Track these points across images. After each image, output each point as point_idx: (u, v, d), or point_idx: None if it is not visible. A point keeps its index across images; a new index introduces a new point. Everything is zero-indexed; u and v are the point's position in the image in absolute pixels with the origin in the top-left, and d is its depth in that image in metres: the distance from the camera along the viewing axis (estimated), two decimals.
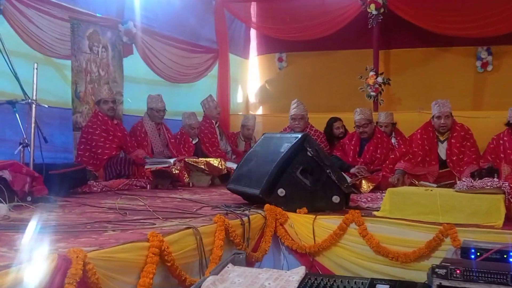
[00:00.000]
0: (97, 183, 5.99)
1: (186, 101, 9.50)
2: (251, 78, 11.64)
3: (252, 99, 11.66)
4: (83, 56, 7.12)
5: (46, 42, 6.73)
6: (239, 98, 11.49)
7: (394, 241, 4.12)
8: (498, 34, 8.83)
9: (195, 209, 4.41)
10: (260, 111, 11.47)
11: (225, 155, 8.31)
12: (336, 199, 4.61)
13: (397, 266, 4.06)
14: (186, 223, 3.56)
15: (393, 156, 6.50)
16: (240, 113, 10.66)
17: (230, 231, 3.76)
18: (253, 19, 11.03)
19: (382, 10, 9.31)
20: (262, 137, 5.44)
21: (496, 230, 3.90)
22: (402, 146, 6.62)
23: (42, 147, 6.60)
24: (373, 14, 9.34)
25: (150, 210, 4.11)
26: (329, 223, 4.36)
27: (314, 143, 4.69)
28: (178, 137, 7.91)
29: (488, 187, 4.27)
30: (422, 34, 9.53)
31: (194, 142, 8.02)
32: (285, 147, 4.69)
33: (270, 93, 11.39)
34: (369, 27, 9.46)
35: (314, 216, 4.41)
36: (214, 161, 7.29)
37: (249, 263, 3.99)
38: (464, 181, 4.39)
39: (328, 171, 4.60)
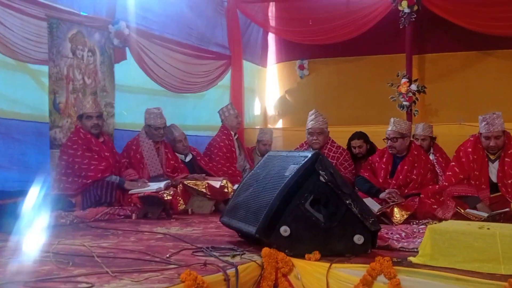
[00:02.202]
0: (66, 213, 5.07)
1: (195, 114, 8.87)
2: (269, 88, 10.94)
3: (271, 111, 10.94)
4: (63, 61, 6.27)
5: (18, 45, 5.86)
6: (256, 110, 10.76)
7: None
8: None
9: (168, 255, 3.38)
10: (279, 124, 10.76)
11: (240, 174, 7.32)
12: (359, 239, 3.60)
13: None
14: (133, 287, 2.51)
15: (447, 182, 5.49)
16: (257, 127, 10.01)
17: None
18: (271, 22, 10.29)
19: (415, 8, 8.44)
20: (266, 156, 4.49)
21: None
22: (455, 168, 5.52)
23: (13, 168, 5.90)
24: (405, 13, 8.48)
25: (98, 261, 3.07)
26: (348, 274, 3.33)
27: (329, 164, 3.67)
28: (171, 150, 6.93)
29: None
30: (462, 35, 8.74)
31: (187, 159, 7.01)
32: (291, 169, 3.69)
33: (290, 104, 10.65)
34: (401, 27, 8.64)
35: (328, 264, 3.38)
36: (217, 183, 6.32)
37: None
38: None
39: (347, 201, 3.59)
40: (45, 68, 6.19)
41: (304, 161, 3.64)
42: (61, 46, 6.23)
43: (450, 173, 5.52)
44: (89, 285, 2.57)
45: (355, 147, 7.21)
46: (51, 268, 2.95)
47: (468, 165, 5.38)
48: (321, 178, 3.58)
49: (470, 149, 5.44)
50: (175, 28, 8.27)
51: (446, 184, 5.44)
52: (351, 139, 7.36)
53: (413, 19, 8.49)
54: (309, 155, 3.66)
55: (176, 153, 6.91)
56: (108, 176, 5.79)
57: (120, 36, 6.94)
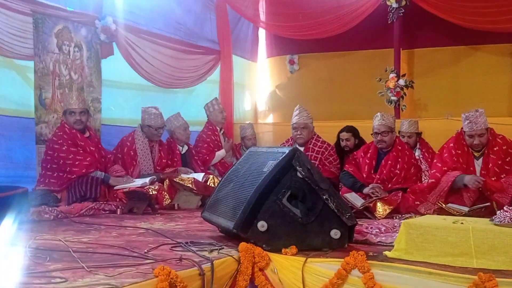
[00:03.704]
0: (50, 208, 5.08)
1: (184, 109, 8.65)
2: (259, 83, 10.90)
3: (261, 106, 10.93)
4: (49, 56, 6.27)
5: (3, 41, 5.82)
6: (247, 106, 10.72)
7: None
8: None
9: (146, 250, 3.41)
10: (270, 119, 10.76)
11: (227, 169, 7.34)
12: (335, 233, 3.62)
13: None
14: (105, 282, 2.55)
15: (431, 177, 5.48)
16: (248, 122, 9.82)
17: (179, 287, 2.77)
18: (262, 17, 10.21)
19: (403, 3, 8.54)
20: (247, 152, 4.50)
21: None
22: (438, 164, 5.52)
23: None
24: (393, 8, 8.57)
25: (75, 256, 3.10)
26: (323, 268, 3.36)
27: (306, 160, 3.69)
28: (166, 146, 6.93)
29: None
30: (451, 30, 8.78)
31: (182, 151, 7.04)
32: (270, 165, 3.71)
33: (281, 99, 10.64)
34: (389, 22, 8.70)
35: (304, 259, 3.40)
36: (200, 176, 6.37)
37: None
38: (507, 211, 3.35)
39: (325, 197, 3.61)
40: (31, 64, 6.16)
41: (281, 157, 3.65)
42: (47, 42, 6.22)
43: (434, 170, 5.51)
44: (63, 280, 2.60)
45: (342, 140, 7.22)
46: (27, 263, 2.96)
47: (451, 159, 5.36)
48: (298, 174, 3.60)
49: (452, 145, 5.42)
50: (163, 23, 8.21)
51: (433, 181, 5.39)
52: (340, 131, 7.37)
53: (401, 14, 8.54)
54: (287, 151, 3.69)
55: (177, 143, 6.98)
56: (93, 171, 5.79)
57: (107, 32, 6.92)
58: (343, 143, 7.22)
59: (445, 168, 5.39)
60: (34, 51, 6.08)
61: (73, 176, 5.69)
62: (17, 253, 3.15)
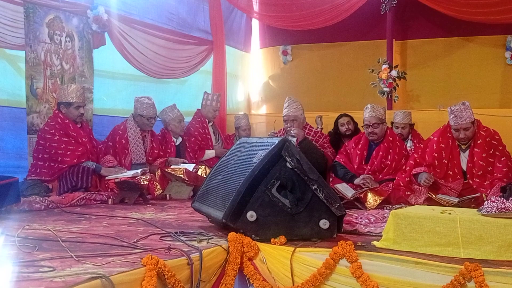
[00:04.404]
0: (41, 198, 5.06)
1: (177, 99, 8.58)
2: (253, 74, 10.87)
3: (254, 97, 10.90)
4: (41, 46, 6.24)
5: None
6: (240, 96, 10.69)
7: (398, 285, 3.13)
8: None
9: (135, 240, 3.42)
10: (263, 110, 10.73)
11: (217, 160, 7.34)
12: (324, 223, 3.63)
13: None
14: (93, 271, 2.55)
15: (408, 167, 5.49)
16: (241, 113, 9.80)
17: (167, 276, 2.78)
18: (255, 7, 10.19)
19: None
20: (238, 142, 4.49)
21: None
22: (414, 155, 5.59)
23: None
24: None
25: (63, 246, 3.11)
26: (312, 258, 3.37)
27: (295, 151, 3.69)
28: (160, 137, 6.95)
29: None
30: (443, 22, 8.82)
31: (177, 143, 7.04)
32: (259, 156, 3.72)
33: (274, 90, 10.63)
34: (382, 13, 8.69)
35: (293, 249, 3.41)
36: (199, 170, 6.36)
37: None
38: (494, 202, 3.36)
39: (314, 187, 3.61)
40: (22, 54, 6.12)
41: (271, 148, 3.65)
42: (38, 31, 6.18)
43: (411, 160, 5.57)
44: (51, 269, 2.60)
45: (343, 124, 7.38)
46: (16, 253, 2.97)
47: (431, 155, 5.39)
48: (288, 164, 3.60)
49: (436, 138, 5.44)
50: (156, 13, 8.16)
51: (408, 168, 5.47)
52: (338, 118, 7.52)
53: (394, 5, 8.53)
54: (276, 141, 3.69)
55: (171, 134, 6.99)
56: (84, 161, 5.78)
57: (99, 21, 6.87)
58: (343, 128, 7.41)
59: (419, 160, 5.45)
60: (25, 40, 6.05)
61: (64, 166, 5.68)
62: (6, 242, 3.17)
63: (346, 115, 7.55)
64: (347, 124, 7.41)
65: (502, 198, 3.48)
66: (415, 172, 5.34)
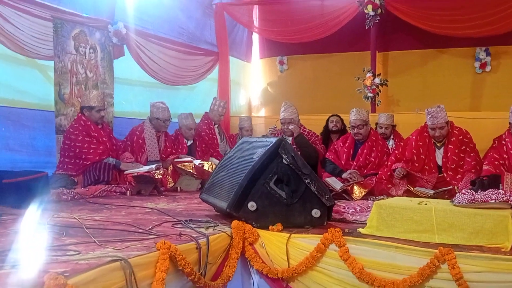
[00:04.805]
0: (68, 190, 5.03)
1: (186, 104, 8.68)
2: (253, 81, 10.81)
3: (255, 101, 10.84)
4: (68, 57, 6.20)
5: (25, 42, 5.76)
6: (242, 101, 10.63)
7: (381, 266, 3.10)
8: (497, 33, 7.96)
9: (150, 227, 3.40)
10: (262, 113, 10.66)
11: (222, 157, 7.29)
12: (316, 213, 3.60)
13: None
14: (113, 254, 2.54)
15: (389, 162, 5.47)
16: (243, 115, 9.78)
17: (178, 259, 2.75)
18: (255, 23, 10.11)
19: (379, 11, 8.42)
20: (240, 141, 4.46)
21: (504, 257, 2.86)
22: (395, 152, 5.58)
23: (23, 151, 5.85)
24: (370, 15, 8.43)
25: (87, 232, 3.08)
26: (305, 243, 3.35)
27: (291, 149, 3.67)
28: (173, 138, 6.90)
29: (493, 200, 3.24)
30: (420, 36, 8.72)
31: (188, 143, 7.02)
32: (259, 153, 3.69)
33: (272, 95, 10.56)
34: (367, 28, 8.59)
35: (288, 235, 3.39)
36: (205, 165, 6.32)
37: None
38: (465, 194, 3.34)
39: (307, 181, 3.59)
40: (51, 63, 6.10)
41: (269, 146, 3.63)
42: (65, 44, 6.15)
43: (392, 156, 5.55)
44: (77, 252, 2.58)
45: (332, 121, 7.43)
46: (46, 238, 2.93)
47: (410, 152, 5.35)
48: (284, 161, 3.57)
49: (414, 137, 5.41)
50: (168, 28, 8.12)
51: (389, 164, 5.45)
52: (329, 116, 7.58)
53: (377, 21, 8.44)
54: (274, 141, 3.67)
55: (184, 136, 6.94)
56: (105, 158, 5.75)
57: (119, 35, 6.85)
58: (331, 124, 7.44)
59: (399, 157, 5.43)
60: (54, 52, 6.02)
61: (88, 163, 5.66)
62: (39, 229, 3.15)
63: (336, 115, 7.57)
64: (335, 122, 7.45)
65: (472, 190, 3.47)
66: (394, 168, 5.32)
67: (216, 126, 7.68)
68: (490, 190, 3.40)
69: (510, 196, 3.27)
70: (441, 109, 5.21)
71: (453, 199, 3.39)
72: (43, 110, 6.13)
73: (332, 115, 7.60)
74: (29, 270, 2.22)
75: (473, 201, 3.24)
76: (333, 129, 7.40)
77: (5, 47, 5.56)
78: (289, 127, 6.17)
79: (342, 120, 7.50)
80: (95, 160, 5.67)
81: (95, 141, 5.79)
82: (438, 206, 3.30)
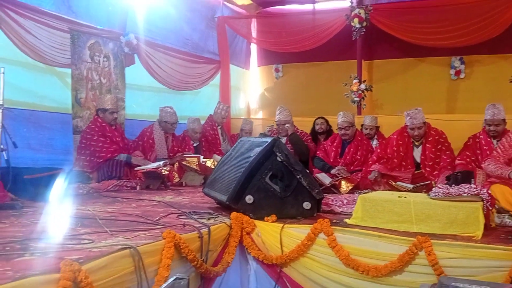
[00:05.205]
0: (84, 185, 5.02)
1: (192, 107, 8.63)
2: (252, 87, 10.75)
3: (253, 105, 10.77)
4: (84, 65, 6.18)
5: (45, 52, 5.74)
6: (242, 104, 10.58)
7: (365, 253, 3.11)
8: (470, 44, 7.91)
9: (157, 218, 3.39)
10: (260, 115, 10.59)
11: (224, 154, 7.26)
12: (307, 205, 3.61)
13: (368, 280, 3.07)
14: (123, 243, 2.53)
15: (371, 161, 5.46)
16: (242, 117, 9.79)
17: (182, 246, 2.75)
18: (253, 34, 10.05)
19: (364, 24, 8.36)
20: (239, 141, 4.45)
21: (475, 245, 2.88)
22: (378, 149, 5.58)
23: (42, 150, 5.83)
24: (356, 28, 8.37)
25: (100, 223, 3.07)
26: (297, 232, 3.35)
27: (284, 147, 3.66)
28: (180, 138, 6.85)
29: (465, 194, 3.25)
30: (401, 46, 8.63)
31: (194, 144, 7.00)
32: (255, 152, 3.68)
33: (268, 99, 10.49)
34: (353, 39, 8.53)
35: (282, 225, 3.39)
36: (208, 162, 6.30)
37: (207, 279, 2.98)
38: (440, 188, 3.34)
39: (298, 176, 3.59)
40: (68, 71, 6.08)
41: (265, 145, 3.62)
42: (81, 53, 6.13)
43: (374, 154, 5.53)
44: (90, 241, 2.58)
45: (318, 124, 7.34)
46: (63, 229, 2.91)
47: (391, 149, 5.32)
48: (278, 158, 3.58)
49: (395, 137, 5.39)
50: (175, 38, 8.09)
51: (370, 162, 5.43)
52: (316, 119, 7.50)
53: (363, 33, 8.39)
54: (269, 140, 3.66)
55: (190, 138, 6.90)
56: (117, 155, 5.71)
57: (130, 45, 6.83)
58: (317, 126, 7.36)
59: (381, 155, 5.40)
60: (71, 60, 6.00)
61: (100, 160, 5.62)
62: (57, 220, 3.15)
63: (322, 118, 7.52)
64: (320, 124, 7.39)
65: (447, 185, 3.47)
66: (371, 169, 5.29)
67: (219, 127, 7.66)
68: (463, 184, 3.41)
69: (480, 190, 3.28)
70: (419, 111, 5.21)
71: (430, 192, 3.40)
72: (61, 113, 6.10)
73: (318, 118, 7.52)
74: (47, 258, 2.22)
75: (448, 195, 3.25)
76: (319, 130, 7.33)
77: (27, 56, 5.55)
78: (286, 125, 6.18)
79: (327, 121, 7.44)
80: (107, 157, 5.63)
81: (108, 140, 5.75)
82: (416, 199, 3.31)
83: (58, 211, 3.42)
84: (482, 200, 3.21)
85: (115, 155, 5.70)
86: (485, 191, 3.26)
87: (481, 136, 5.17)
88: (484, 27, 7.59)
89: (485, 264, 2.75)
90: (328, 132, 7.29)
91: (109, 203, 4.25)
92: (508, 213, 3.46)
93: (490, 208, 3.28)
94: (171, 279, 2.28)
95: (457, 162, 5.03)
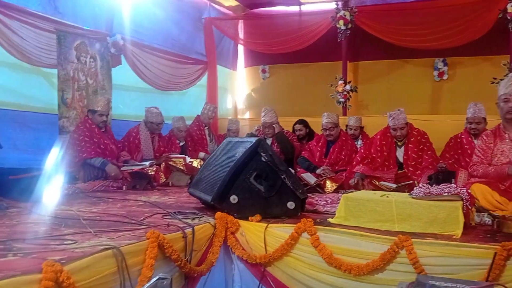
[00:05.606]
0: (69, 185, 4.95)
1: (179, 108, 8.52)
2: (239, 87, 10.71)
3: (240, 105, 10.73)
4: (70, 65, 6.10)
5: (31, 52, 5.66)
6: (229, 105, 10.54)
7: (347, 252, 3.12)
8: (453, 46, 7.94)
9: (142, 218, 3.37)
10: (247, 115, 10.56)
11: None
12: (291, 205, 3.62)
13: (350, 278, 3.08)
14: (106, 243, 2.51)
15: (355, 161, 5.48)
16: (230, 117, 9.77)
17: (166, 246, 2.74)
18: (240, 35, 10.01)
19: (349, 26, 8.42)
20: (224, 141, 4.44)
21: (454, 243, 2.90)
22: (362, 150, 5.60)
23: (28, 150, 5.75)
24: (342, 29, 8.42)
25: (84, 223, 3.05)
26: (281, 231, 3.35)
27: (269, 148, 3.68)
28: (167, 138, 6.83)
29: (446, 193, 3.28)
30: (386, 47, 8.61)
31: (181, 144, 6.98)
32: (240, 152, 3.68)
33: (255, 100, 10.45)
34: (339, 41, 8.57)
35: (266, 225, 3.39)
36: (194, 162, 6.28)
37: (191, 279, 2.97)
38: (421, 188, 3.37)
39: (283, 176, 3.60)
40: (54, 71, 5.99)
41: (249, 146, 3.63)
42: (67, 54, 6.05)
43: (358, 154, 5.55)
44: (73, 241, 2.56)
45: (296, 130, 7.18)
46: (47, 229, 2.92)
47: (374, 149, 5.36)
48: (263, 159, 3.58)
49: (378, 137, 5.42)
50: (162, 39, 8.02)
51: (354, 163, 5.44)
52: (294, 124, 7.33)
53: (348, 35, 8.43)
54: (253, 140, 3.66)
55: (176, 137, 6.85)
56: (93, 158, 5.53)
57: (116, 46, 6.76)
58: (297, 133, 7.18)
59: (365, 155, 5.42)
60: (58, 61, 5.93)
61: (76, 160, 5.47)
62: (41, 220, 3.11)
63: (300, 122, 7.30)
64: (299, 130, 7.18)
65: (428, 184, 3.50)
66: (354, 170, 5.31)
67: (206, 128, 7.64)
68: (443, 184, 3.44)
69: (460, 189, 3.31)
70: (401, 112, 5.24)
71: (411, 192, 3.42)
72: (47, 113, 6.02)
73: (296, 123, 7.32)
74: (29, 258, 2.20)
75: (429, 194, 3.28)
76: (299, 136, 7.12)
77: (13, 56, 5.47)
78: (273, 125, 6.20)
79: (306, 125, 7.29)
80: (83, 158, 5.49)
81: (92, 141, 5.63)
82: (398, 199, 3.33)
83: (43, 212, 3.39)
84: (462, 200, 3.23)
85: (91, 157, 5.53)
86: (464, 190, 3.29)
87: (462, 136, 5.25)
88: (466, 30, 7.65)
89: (464, 262, 2.78)
90: (309, 135, 7.15)
91: (94, 204, 4.21)
92: (488, 212, 3.50)
93: (470, 207, 3.31)
94: (154, 279, 2.28)
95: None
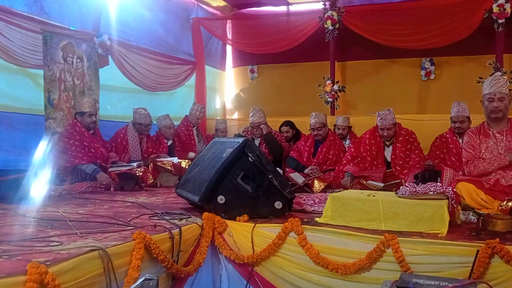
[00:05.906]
0: (57, 187, 4.92)
1: (167, 108, 8.42)
2: (227, 88, 10.70)
3: (229, 105, 10.72)
4: (56, 66, 6.04)
5: (17, 53, 5.60)
6: (217, 105, 10.53)
7: (334, 252, 3.14)
8: (440, 46, 7.99)
9: (129, 219, 3.35)
10: (235, 115, 10.56)
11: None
12: (278, 205, 3.62)
13: (337, 277, 3.10)
14: (93, 244, 2.50)
15: (345, 160, 5.50)
16: (218, 118, 9.75)
17: (152, 247, 2.73)
18: (228, 35, 10.01)
19: (337, 26, 8.46)
20: (211, 141, 4.43)
21: (440, 242, 2.93)
22: (351, 149, 5.62)
23: (15, 152, 5.70)
24: (329, 30, 8.46)
25: (70, 225, 3.03)
26: (268, 231, 3.35)
27: (256, 148, 3.68)
28: (154, 139, 6.79)
29: (432, 192, 3.31)
30: (373, 47, 8.67)
31: (168, 143, 6.95)
32: (227, 152, 3.68)
33: (244, 100, 10.45)
34: (327, 41, 8.61)
35: (253, 225, 3.39)
36: (182, 163, 6.26)
37: (178, 279, 2.97)
38: (407, 187, 3.39)
39: (270, 176, 3.60)
40: (41, 72, 5.94)
41: (236, 146, 3.63)
42: (54, 54, 6.00)
43: (348, 153, 5.58)
44: (59, 243, 2.55)
45: (283, 132, 7.14)
46: (33, 231, 2.90)
47: (364, 148, 5.38)
48: (250, 159, 3.58)
49: (367, 136, 5.45)
50: (149, 40, 7.98)
51: (344, 162, 5.47)
52: (280, 126, 7.28)
53: (336, 35, 8.47)
54: (240, 141, 3.67)
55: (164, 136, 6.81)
56: (84, 164, 5.48)
57: (103, 46, 6.71)
58: (284, 135, 7.10)
59: (355, 154, 5.44)
60: (44, 61, 5.88)
61: (68, 165, 5.43)
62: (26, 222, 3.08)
63: (286, 124, 7.24)
64: (286, 132, 7.12)
65: (414, 183, 3.53)
66: (344, 170, 5.33)
67: (194, 128, 7.62)
68: (429, 183, 3.47)
69: (446, 188, 3.34)
70: (389, 112, 5.27)
71: (398, 191, 3.45)
72: (33, 114, 5.96)
73: (282, 125, 7.26)
74: (14, 260, 2.18)
75: (415, 193, 3.30)
76: (286, 138, 7.03)
77: None
78: (261, 126, 6.20)
79: (292, 126, 7.26)
80: (74, 164, 5.44)
81: (85, 146, 5.59)
82: (384, 198, 3.35)
83: (28, 213, 3.36)
84: (448, 198, 3.27)
85: (83, 163, 5.48)
86: (450, 189, 3.33)
87: (447, 136, 5.30)
88: (453, 29, 7.71)
89: (449, 260, 2.80)
90: (296, 136, 7.12)
91: (81, 205, 4.18)
92: (473, 210, 3.53)
93: (455, 206, 3.34)
94: (140, 280, 2.26)
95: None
